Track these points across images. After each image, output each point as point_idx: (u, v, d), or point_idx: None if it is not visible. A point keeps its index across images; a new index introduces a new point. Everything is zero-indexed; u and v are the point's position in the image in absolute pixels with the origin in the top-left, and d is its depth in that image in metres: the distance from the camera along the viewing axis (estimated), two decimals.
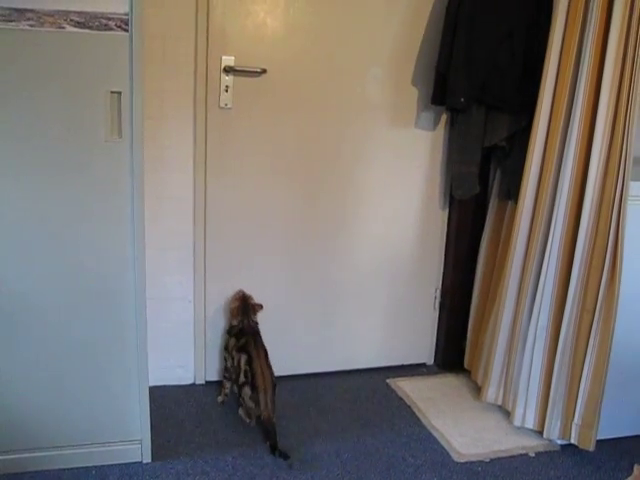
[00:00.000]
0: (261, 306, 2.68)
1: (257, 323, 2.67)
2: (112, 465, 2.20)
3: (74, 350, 2.07)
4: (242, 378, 2.48)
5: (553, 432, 2.46)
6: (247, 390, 2.45)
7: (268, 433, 2.40)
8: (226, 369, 2.65)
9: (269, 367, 2.51)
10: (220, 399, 2.68)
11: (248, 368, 2.47)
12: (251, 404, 2.44)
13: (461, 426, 2.62)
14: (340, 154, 2.78)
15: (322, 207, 2.81)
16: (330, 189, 2.80)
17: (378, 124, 2.79)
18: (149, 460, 2.24)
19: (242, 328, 2.61)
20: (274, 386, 2.48)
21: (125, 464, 2.21)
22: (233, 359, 2.56)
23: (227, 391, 2.67)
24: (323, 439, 2.47)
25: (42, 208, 1.92)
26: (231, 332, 2.64)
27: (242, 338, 2.57)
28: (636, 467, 2.31)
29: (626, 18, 2.13)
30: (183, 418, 2.55)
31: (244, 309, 2.64)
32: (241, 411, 2.53)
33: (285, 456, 2.29)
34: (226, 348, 2.65)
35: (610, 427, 2.46)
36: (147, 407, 2.18)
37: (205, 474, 2.22)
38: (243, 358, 2.51)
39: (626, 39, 2.14)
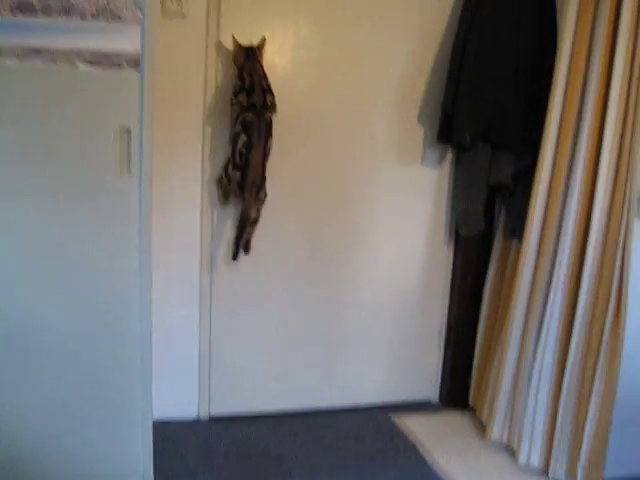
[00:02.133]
0: (263, 39, 2.53)
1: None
2: None
3: (78, 383, 2.07)
4: (237, 159, 2.50)
5: (559, 471, 2.44)
6: (237, 174, 2.50)
7: (240, 227, 2.56)
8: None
9: (264, 166, 2.54)
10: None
11: (244, 152, 2.49)
12: (235, 189, 2.53)
13: (466, 464, 2.60)
14: (346, 190, 2.80)
15: (328, 242, 2.83)
16: (336, 225, 2.82)
17: (384, 161, 2.82)
18: None
19: (250, 91, 2.50)
20: (263, 182, 2.56)
21: None
22: (234, 126, 2.53)
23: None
24: (327, 476, 2.46)
25: (52, 240, 1.94)
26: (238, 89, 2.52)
27: (252, 111, 2.49)
28: None
29: (628, 64, 2.17)
30: (186, 453, 2.54)
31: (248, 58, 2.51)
32: (220, 191, 2.62)
33: (235, 254, 2.60)
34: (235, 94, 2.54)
35: (617, 467, 2.43)
36: (150, 441, 2.17)
37: None
38: (242, 138, 2.49)
39: (629, 79, 2.18)
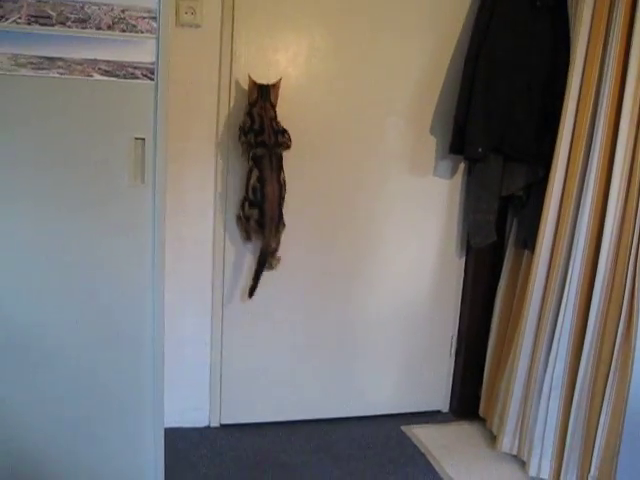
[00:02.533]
0: (279, 79, 2.55)
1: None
2: None
3: (89, 391, 2.08)
4: (251, 196, 2.52)
5: None
6: (255, 212, 2.53)
7: (260, 260, 2.60)
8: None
9: (281, 199, 2.57)
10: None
11: (259, 187, 2.50)
12: (255, 226, 2.55)
13: (475, 475, 2.60)
14: (359, 201, 2.81)
15: (339, 254, 2.84)
16: (348, 236, 2.83)
17: (396, 172, 2.83)
18: None
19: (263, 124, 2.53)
20: (280, 217, 2.59)
21: None
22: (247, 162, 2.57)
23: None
24: None
25: (64, 249, 1.95)
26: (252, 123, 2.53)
27: (262, 147, 2.51)
28: None
29: None
30: (197, 461, 2.55)
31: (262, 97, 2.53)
32: (240, 226, 2.65)
33: (252, 290, 2.63)
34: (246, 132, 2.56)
35: (627, 479, 2.43)
36: (162, 449, 2.18)
37: None
38: (255, 173, 2.52)
39: None
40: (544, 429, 2.48)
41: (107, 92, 1.88)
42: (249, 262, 2.72)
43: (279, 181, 2.55)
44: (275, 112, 2.53)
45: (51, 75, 1.83)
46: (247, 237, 2.67)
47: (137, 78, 1.89)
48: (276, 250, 2.64)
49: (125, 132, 1.92)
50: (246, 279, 2.73)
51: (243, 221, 2.60)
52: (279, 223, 2.59)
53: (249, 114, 2.51)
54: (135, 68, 1.88)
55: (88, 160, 1.91)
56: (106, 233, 1.97)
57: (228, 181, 2.64)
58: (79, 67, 1.84)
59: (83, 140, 1.90)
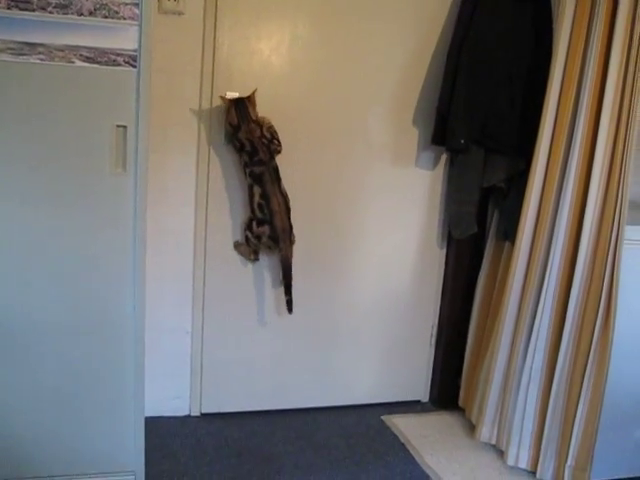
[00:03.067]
0: (253, 91, 2.53)
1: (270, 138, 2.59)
2: None
3: (70, 380, 2.07)
4: (258, 214, 2.54)
5: (546, 473, 2.46)
6: (266, 229, 2.54)
7: (285, 274, 2.64)
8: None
9: (287, 208, 2.61)
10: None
11: (265, 204, 2.53)
12: (267, 242, 2.59)
13: (454, 464, 2.62)
14: (340, 191, 2.81)
15: (320, 243, 2.84)
16: (329, 226, 2.83)
17: (378, 162, 2.83)
18: None
19: (254, 144, 2.53)
20: (291, 227, 2.64)
21: None
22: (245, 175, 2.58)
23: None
24: (318, 475, 2.47)
25: (45, 237, 1.94)
26: (241, 146, 2.55)
27: (259, 165, 2.54)
28: None
29: (623, 67, 2.18)
30: (177, 450, 2.55)
31: (238, 109, 2.52)
32: (242, 249, 2.65)
33: (290, 304, 2.65)
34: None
35: (603, 469, 2.46)
36: (142, 438, 2.18)
37: None
38: (257, 190, 2.53)
39: (623, 86, 2.19)
40: (522, 419, 2.50)
41: (89, 79, 1.87)
42: (230, 251, 2.72)
43: (282, 192, 2.58)
44: (261, 127, 2.54)
45: (31, 61, 1.81)
46: (255, 257, 2.68)
47: (119, 65, 1.88)
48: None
49: (107, 119, 1.91)
50: (227, 267, 2.72)
51: (253, 242, 2.61)
52: (291, 234, 2.63)
53: (237, 139, 2.53)
54: (117, 55, 1.87)
55: (69, 148, 1.90)
56: (87, 221, 1.96)
57: (210, 170, 2.62)
58: (60, 53, 1.83)
59: (64, 127, 1.89)
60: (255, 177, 2.53)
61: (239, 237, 2.70)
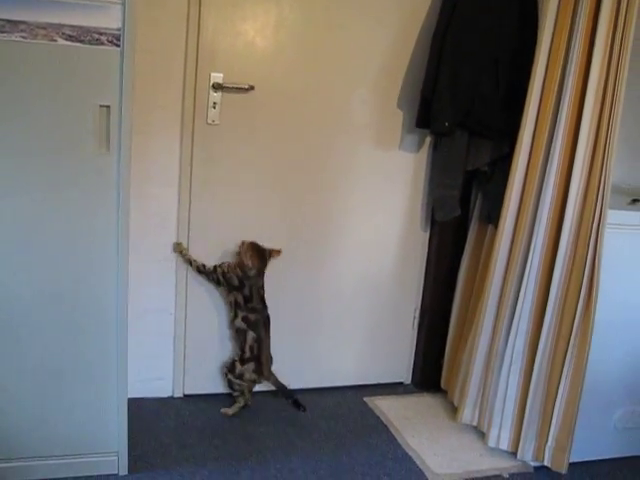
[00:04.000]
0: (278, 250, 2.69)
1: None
2: (88, 477, 2.19)
3: (53, 361, 2.07)
4: (247, 353, 2.60)
5: (527, 454, 2.49)
6: (251, 365, 2.61)
7: (285, 392, 2.68)
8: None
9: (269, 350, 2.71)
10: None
11: (256, 347, 2.60)
12: (251, 377, 2.62)
13: (436, 446, 2.64)
14: (324, 173, 2.81)
15: (304, 226, 2.84)
16: (312, 208, 2.83)
17: (363, 145, 2.82)
18: (125, 472, 2.24)
19: (253, 291, 2.65)
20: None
21: (101, 476, 2.21)
22: (234, 318, 2.66)
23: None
24: (300, 456, 2.48)
25: (27, 218, 1.93)
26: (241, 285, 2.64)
27: (254, 313, 2.63)
28: None
29: (607, 51, 2.18)
30: (160, 431, 2.55)
31: (256, 256, 2.64)
32: (235, 392, 2.67)
33: (304, 408, 2.66)
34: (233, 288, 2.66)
35: (583, 450, 2.49)
36: (125, 419, 2.18)
37: None
38: (251, 335, 2.61)
39: (607, 70, 2.20)
40: (504, 401, 2.52)
41: (71, 58, 1.85)
42: (214, 228, 2.72)
43: (269, 331, 2.69)
44: (263, 281, 2.68)
45: (13, 39, 1.79)
46: (245, 402, 2.73)
47: (102, 44, 1.86)
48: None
49: (90, 99, 1.89)
50: (211, 249, 2.72)
51: (236, 384, 2.66)
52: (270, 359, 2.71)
53: (240, 283, 2.63)
54: (101, 34, 1.85)
55: (51, 127, 1.89)
56: (70, 202, 1.95)
57: (194, 151, 2.61)
58: (42, 31, 1.80)
59: (46, 107, 1.87)
60: (250, 324, 2.63)
61: (221, 219, 2.70)
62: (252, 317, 2.62)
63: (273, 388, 2.70)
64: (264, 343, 2.64)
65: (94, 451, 2.20)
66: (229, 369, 2.65)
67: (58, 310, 2.03)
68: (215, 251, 2.72)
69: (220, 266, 2.66)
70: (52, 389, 2.09)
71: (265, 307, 2.68)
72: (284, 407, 2.72)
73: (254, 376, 2.62)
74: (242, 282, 2.62)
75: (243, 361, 2.62)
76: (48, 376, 2.08)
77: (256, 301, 2.64)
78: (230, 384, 2.66)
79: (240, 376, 2.61)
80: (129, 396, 2.19)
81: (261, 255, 2.63)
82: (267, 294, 2.75)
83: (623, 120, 2.23)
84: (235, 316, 2.65)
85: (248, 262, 2.60)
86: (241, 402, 2.65)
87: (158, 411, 2.71)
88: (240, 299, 2.63)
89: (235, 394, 2.67)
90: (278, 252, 2.67)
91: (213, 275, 2.66)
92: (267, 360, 2.65)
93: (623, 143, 2.37)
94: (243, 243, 2.62)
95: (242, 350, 2.63)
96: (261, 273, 2.65)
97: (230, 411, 2.67)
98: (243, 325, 2.62)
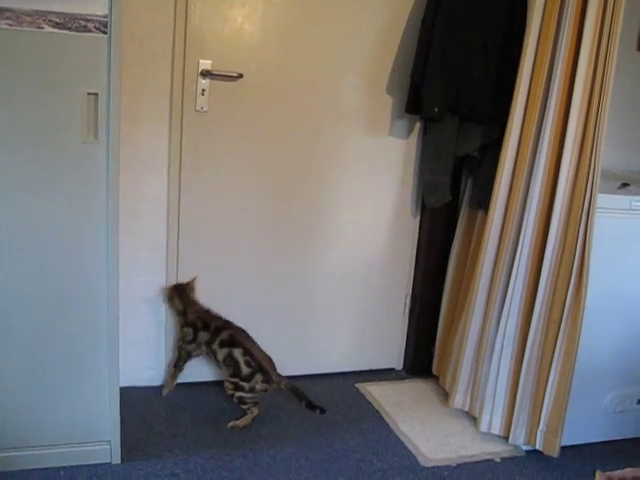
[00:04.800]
0: (193, 278, 2.70)
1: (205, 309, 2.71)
2: (81, 466, 2.19)
3: (44, 350, 2.06)
4: (245, 369, 2.53)
5: (519, 438, 2.50)
6: (259, 377, 2.54)
7: (298, 394, 2.60)
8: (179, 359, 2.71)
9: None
10: (166, 391, 2.74)
11: (250, 359, 2.54)
12: (263, 387, 2.55)
13: (428, 431, 2.65)
14: (314, 160, 2.80)
15: (295, 211, 2.83)
16: (303, 193, 2.83)
17: (352, 131, 2.82)
18: (118, 461, 2.24)
19: (205, 318, 2.66)
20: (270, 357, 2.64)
21: (94, 465, 2.21)
22: (214, 353, 2.60)
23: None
24: (293, 442, 2.49)
25: (15, 208, 1.91)
26: (193, 325, 2.65)
27: (218, 334, 2.59)
28: (598, 473, 2.36)
29: (596, 35, 2.18)
30: (153, 419, 2.55)
31: (181, 294, 2.68)
32: (247, 405, 2.58)
33: (322, 410, 2.58)
34: (190, 342, 2.66)
35: (574, 434, 2.51)
36: (117, 408, 2.18)
37: (174, 476, 2.22)
38: (237, 351, 2.55)
39: (596, 55, 2.19)
40: (495, 386, 2.53)
41: (58, 45, 1.83)
42: (204, 216, 2.71)
43: (250, 337, 2.64)
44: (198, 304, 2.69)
45: None
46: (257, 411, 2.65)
47: (89, 31, 1.84)
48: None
49: (78, 87, 1.88)
50: (201, 236, 2.71)
51: (248, 397, 2.57)
52: (272, 362, 2.63)
53: (194, 327, 2.64)
54: (87, 21, 1.83)
55: (39, 116, 1.87)
56: (59, 191, 1.94)
57: (183, 138, 2.59)
58: (28, 19, 1.79)
59: (33, 95, 1.85)
60: (228, 342, 2.58)
61: (211, 207, 2.69)
62: (224, 335, 2.58)
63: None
64: (254, 350, 2.58)
65: (86, 440, 2.20)
66: (235, 388, 2.55)
67: (48, 299, 2.02)
68: (205, 238, 2.72)
69: (178, 346, 2.71)
70: (43, 378, 2.09)
71: (227, 322, 2.65)
72: (276, 394, 2.72)
73: (265, 385, 2.56)
74: (194, 325, 2.64)
75: (248, 378, 2.54)
76: (38, 365, 2.07)
77: (214, 323, 2.63)
78: (241, 400, 2.56)
79: (252, 390, 2.54)
80: (120, 385, 2.18)
81: (183, 291, 2.67)
82: (258, 282, 2.75)
83: (613, 104, 2.23)
84: (214, 351, 2.60)
85: (180, 306, 2.66)
86: (254, 412, 2.58)
87: (150, 400, 2.70)
88: (205, 336, 2.62)
89: (246, 407, 2.57)
90: (193, 280, 2.69)
91: (183, 352, 2.68)
92: (269, 364, 2.59)
93: (613, 127, 2.37)
94: (165, 292, 2.69)
95: (240, 370, 2.54)
96: (193, 303, 2.68)
97: (241, 423, 2.57)
98: (225, 350, 2.57)
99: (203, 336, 2.61)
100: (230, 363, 2.56)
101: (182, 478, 2.22)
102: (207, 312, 2.67)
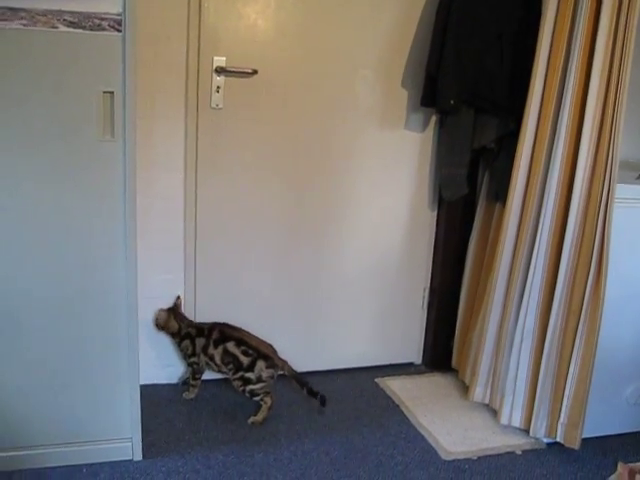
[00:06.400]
0: (178, 297, 2.74)
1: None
2: (103, 463, 2.21)
3: (65, 349, 2.08)
4: (245, 360, 2.54)
5: (539, 431, 2.49)
6: (261, 364, 2.54)
7: (299, 381, 2.63)
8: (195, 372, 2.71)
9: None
10: (191, 396, 2.73)
11: (246, 348, 2.55)
12: (269, 374, 2.56)
13: (449, 425, 2.65)
14: (330, 155, 2.80)
15: (312, 206, 2.83)
16: (320, 189, 2.82)
17: (368, 125, 2.81)
18: (140, 458, 2.25)
19: (196, 325, 2.70)
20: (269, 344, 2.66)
21: (116, 462, 2.22)
22: (212, 358, 2.61)
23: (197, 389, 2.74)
24: (313, 437, 2.49)
25: (33, 208, 1.93)
26: (189, 336, 2.67)
27: (210, 335, 2.62)
28: (620, 465, 2.34)
29: (613, 24, 2.16)
30: (173, 416, 2.56)
31: (175, 314, 2.70)
32: (259, 397, 2.58)
33: (322, 399, 2.63)
34: (192, 354, 2.66)
35: (595, 426, 2.49)
36: (138, 405, 2.19)
37: (195, 472, 2.23)
38: (231, 345, 2.56)
39: (613, 45, 2.17)
40: (515, 379, 2.52)
41: (73, 44, 1.84)
42: (221, 213, 2.72)
43: (237, 328, 2.67)
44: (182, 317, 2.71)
45: (14, 27, 1.78)
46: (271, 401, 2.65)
47: (104, 30, 1.85)
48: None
49: (93, 86, 1.88)
50: (218, 234, 2.72)
51: (258, 388, 2.57)
52: (274, 349, 2.65)
53: (191, 339, 2.66)
54: (102, 19, 1.84)
55: (55, 115, 1.88)
56: (76, 190, 1.95)
57: (199, 135, 2.60)
58: (43, 18, 1.79)
59: (49, 94, 1.86)
60: (219, 340, 2.60)
61: (228, 204, 2.70)
62: (215, 335, 2.61)
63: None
64: (248, 339, 2.59)
65: (108, 438, 2.21)
66: (244, 383, 2.55)
67: (67, 298, 2.03)
68: (222, 235, 2.72)
69: (187, 363, 2.73)
70: (64, 377, 2.10)
71: (215, 322, 2.68)
72: (295, 390, 2.72)
73: (271, 371, 2.57)
74: (189, 335, 2.66)
75: (250, 367, 2.54)
76: (59, 364, 2.09)
77: (205, 327, 2.66)
78: (252, 393, 2.56)
79: (259, 379, 2.54)
80: (141, 383, 2.19)
81: (176, 311, 2.70)
82: (276, 278, 2.77)
83: (630, 93, 2.21)
84: (211, 355, 2.61)
85: (176, 324, 2.67)
86: (268, 402, 2.57)
87: (170, 397, 2.72)
88: (202, 342, 2.63)
89: (259, 398, 2.57)
90: (178, 299, 2.72)
91: (195, 366, 2.68)
92: (268, 349, 2.60)
93: (630, 117, 2.35)
94: (158, 318, 2.68)
95: (240, 362, 2.55)
96: (184, 318, 2.71)
97: (260, 418, 2.57)
98: (220, 348, 2.58)
99: (199, 342, 2.63)
100: (229, 360, 2.56)
101: (203, 474, 2.22)
102: (196, 323, 2.72)
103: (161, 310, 2.68)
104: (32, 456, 2.14)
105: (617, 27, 2.16)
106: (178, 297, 2.71)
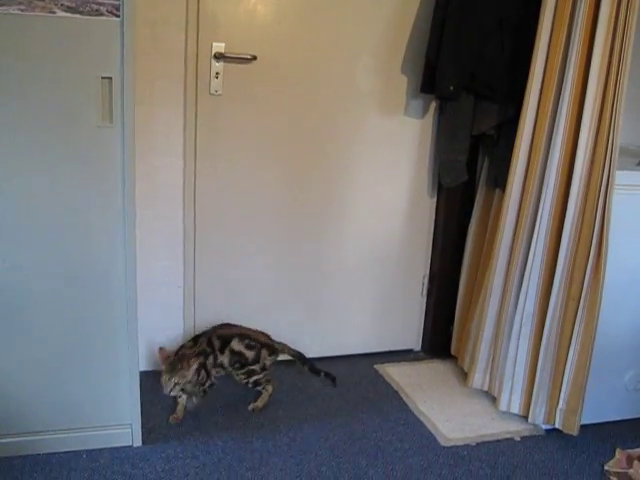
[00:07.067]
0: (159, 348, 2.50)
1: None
2: (102, 449, 2.21)
3: (64, 335, 2.08)
4: (250, 354, 2.54)
5: (538, 417, 2.50)
6: (264, 352, 2.57)
7: (301, 360, 2.69)
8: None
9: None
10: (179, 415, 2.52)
11: (248, 340, 2.55)
12: (271, 361, 2.60)
13: (447, 411, 2.65)
14: (329, 141, 2.79)
15: (311, 193, 2.83)
16: (319, 175, 2.82)
17: (367, 112, 2.80)
18: (139, 444, 2.26)
19: (199, 346, 2.53)
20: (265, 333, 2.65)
21: (115, 448, 2.23)
22: (222, 366, 2.55)
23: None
24: (312, 423, 2.50)
25: (32, 194, 1.92)
26: (203, 367, 2.50)
27: (212, 347, 2.53)
28: (618, 451, 2.36)
29: (614, 10, 2.14)
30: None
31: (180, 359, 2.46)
32: (262, 386, 2.59)
33: (327, 375, 2.72)
34: (207, 378, 2.52)
35: (594, 412, 2.49)
36: (137, 391, 2.20)
37: (195, 458, 2.24)
38: (235, 343, 2.53)
39: (614, 30, 2.16)
40: (514, 365, 2.52)
41: (71, 29, 1.83)
42: (220, 198, 2.72)
43: (225, 326, 2.63)
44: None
45: (11, 12, 1.77)
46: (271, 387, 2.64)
47: (102, 15, 1.84)
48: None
49: (91, 71, 1.88)
50: (217, 220, 2.71)
51: (261, 375, 2.57)
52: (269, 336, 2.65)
53: (204, 368, 2.49)
54: (99, 4, 1.83)
55: (53, 101, 1.87)
56: (74, 176, 1.95)
57: (198, 122, 2.59)
58: (40, 3, 1.78)
59: (47, 80, 1.85)
60: (223, 344, 2.53)
61: (227, 190, 2.69)
62: (217, 343, 2.51)
63: (290, 358, 2.70)
64: (247, 331, 2.59)
65: (108, 423, 2.22)
66: (248, 376, 2.54)
67: (66, 283, 2.03)
68: (221, 221, 2.72)
69: (204, 390, 2.53)
70: (63, 363, 2.11)
71: (206, 331, 2.59)
72: (295, 376, 2.73)
73: (272, 358, 2.59)
74: (199, 362, 2.43)
75: (255, 360, 2.54)
76: (58, 350, 2.09)
77: (203, 341, 2.52)
78: (256, 383, 2.56)
79: (263, 368, 2.55)
80: (140, 369, 2.20)
81: (177, 353, 2.50)
82: (275, 264, 2.76)
83: (630, 80, 2.20)
84: (221, 364, 2.53)
85: (188, 365, 2.41)
86: (269, 390, 2.58)
87: None
88: (211, 360, 2.50)
89: (262, 387, 2.57)
90: (165, 348, 2.52)
91: (210, 387, 2.54)
92: (265, 336, 2.61)
93: (630, 103, 2.34)
94: (166, 360, 2.42)
95: (246, 358, 2.53)
96: (183, 354, 2.46)
97: (260, 404, 2.56)
98: (226, 352, 2.52)
99: (210, 362, 2.50)
100: (236, 359, 2.54)
101: (202, 460, 2.23)
102: (191, 346, 2.52)
103: (167, 364, 2.40)
104: (32, 442, 2.15)
105: (618, 13, 2.14)
106: (160, 348, 2.47)
